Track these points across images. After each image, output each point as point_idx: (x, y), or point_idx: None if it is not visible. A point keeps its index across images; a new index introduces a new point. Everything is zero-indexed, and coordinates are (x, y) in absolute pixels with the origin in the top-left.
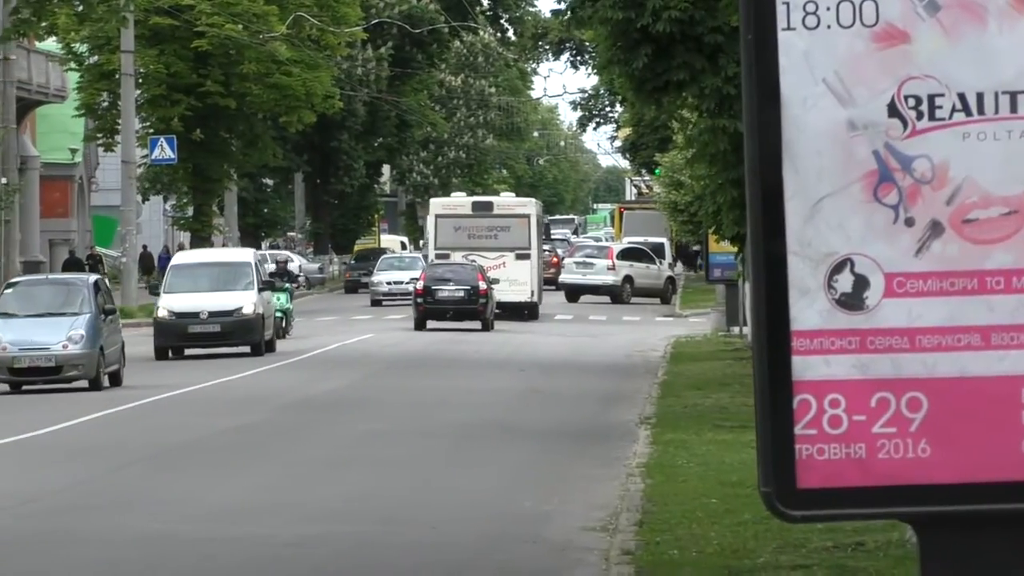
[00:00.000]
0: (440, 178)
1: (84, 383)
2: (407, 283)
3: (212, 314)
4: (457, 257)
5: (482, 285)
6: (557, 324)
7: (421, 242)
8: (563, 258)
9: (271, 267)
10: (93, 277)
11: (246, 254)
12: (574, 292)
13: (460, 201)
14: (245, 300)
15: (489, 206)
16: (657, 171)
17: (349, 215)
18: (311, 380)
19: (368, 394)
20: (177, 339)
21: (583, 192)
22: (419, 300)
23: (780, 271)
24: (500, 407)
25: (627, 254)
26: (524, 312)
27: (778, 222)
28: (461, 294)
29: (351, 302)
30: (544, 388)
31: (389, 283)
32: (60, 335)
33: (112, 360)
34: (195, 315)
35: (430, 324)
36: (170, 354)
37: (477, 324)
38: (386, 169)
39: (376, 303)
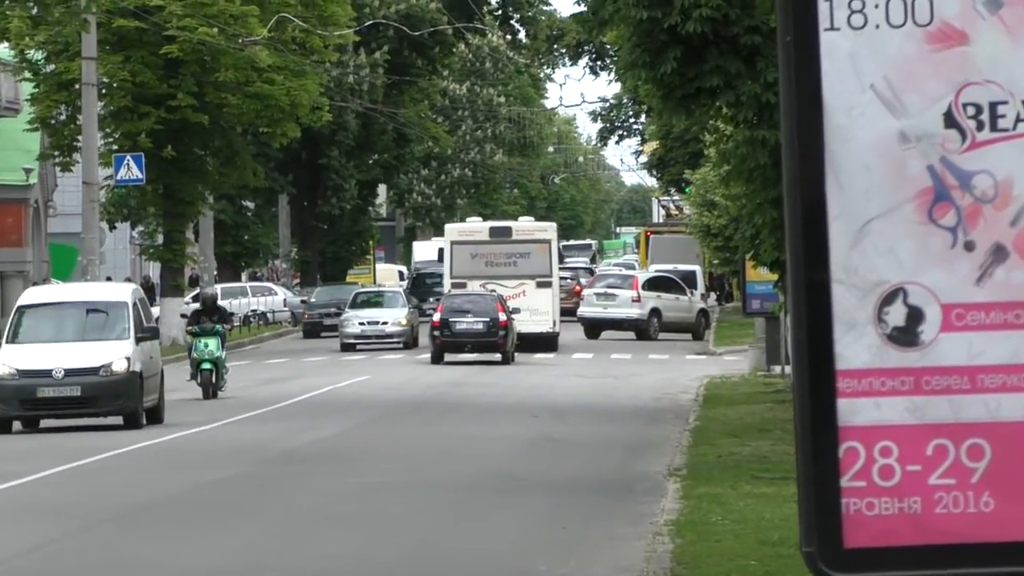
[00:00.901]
0: (443, 199)
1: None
2: (386, 324)
3: (69, 372)
4: (475, 286)
5: (502, 316)
6: (575, 363)
7: (406, 272)
8: (585, 287)
9: (191, 305)
10: None
11: (122, 291)
12: (595, 327)
13: (477, 226)
14: (116, 354)
15: (508, 231)
16: (687, 190)
17: (340, 242)
18: (298, 429)
19: (362, 443)
20: (22, 406)
21: (604, 214)
22: (436, 333)
23: (823, 302)
24: (511, 457)
25: (654, 284)
26: (543, 344)
27: (821, 247)
28: (480, 326)
29: (316, 345)
30: (560, 436)
31: (363, 323)
32: None
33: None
34: (46, 373)
35: (448, 357)
36: (15, 426)
37: (497, 356)
38: (382, 190)
39: (348, 347)
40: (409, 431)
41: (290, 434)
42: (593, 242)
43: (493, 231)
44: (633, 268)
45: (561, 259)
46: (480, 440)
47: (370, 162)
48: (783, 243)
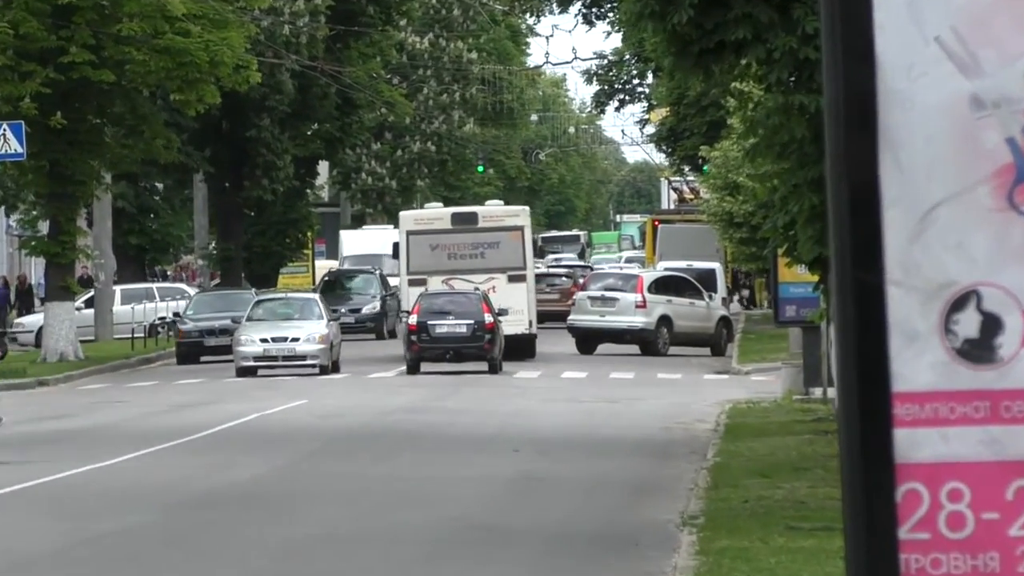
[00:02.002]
0: (400, 180)
1: None
2: (296, 341)
3: None
4: (436, 283)
5: (488, 318)
6: (565, 384)
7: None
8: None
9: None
10: None
11: None
12: (589, 339)
13: (436, 213)
14: None
15: (472, 218)
16: (705, 168)
17: (271, 233)
18: (217, 466)
19: (297, 485)
20: None
21: (601, 199)
22: (412, 338)
23: (876, 309)
24: (486, 502)
25: (664, 285)
26: (518, 349)
27: (873, 240)
28: (463, 329)
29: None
30: (547, 475)
31: (265, 340)
32: None
33: None
34: None
35: (426, 367)
36: None
37: (483, 366)
38: (323, 168)
39: (245, 372)
40: (357, 470)
41: (206, 473)
42: (582, 233)
43: (456, 218)
44: (637, 265)
45: (541, 254)
46: (447, 481)
47: (308, 133)
48: (825, 235)
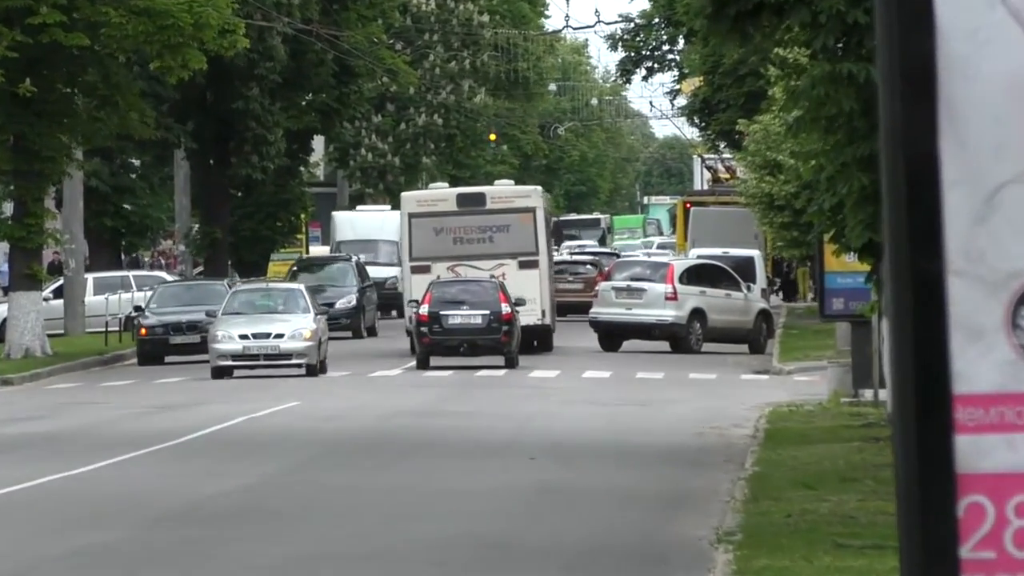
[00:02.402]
0: (403, 156)
1: None
2: (280, 338)
3: None
4: (441, 270)
5: (505, 308)
6: (587, 384)
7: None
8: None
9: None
10: None
11: None
12: (613, 334)
13: (441, 194)
14: None
15: (480, 199)
16: (743, 146)
17: (260, 215)
18: (201, 475)
19: (292, 498)
20: None
21: (627, 178)
22: (423, 329)
23: (936, 301)
24: (499, 517)
25: (697, 275)
26: (533, 342)
27: (932, 225)
28: (478, 320)
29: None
30: (567, 486)
31: (245, 336)
32: None
33: None
34: None
35: (436, 361)
36: None
37: (499, 360)
38: (319, 144)
39: (221, 373)
40: (358, 480)
41: (189, 483)
42: (603, 217)
43: (462, 199)
44: (670, 253)
45: (559, 239)
46: (457, 493)
47: (302, 105)
48: (877, 219)
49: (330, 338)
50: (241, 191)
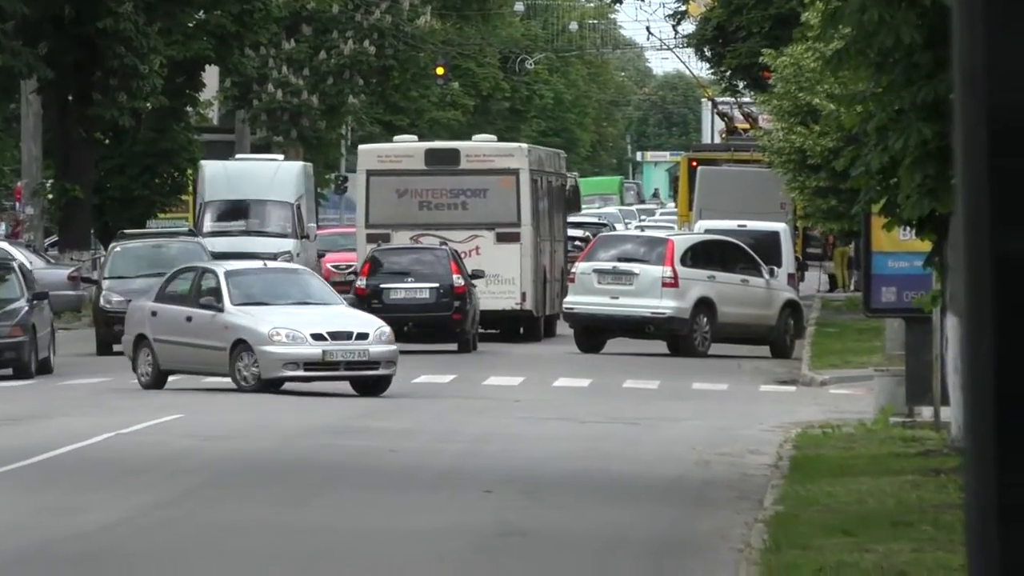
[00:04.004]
0: (324, 95)
1: None
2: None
3: None
4: (403, 239)
5: (457, 280)
6: (560, 395)
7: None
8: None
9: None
10: None
11: None
12: (593, 330)
13: (406, 148)
14: None
15: (453, 156)
16: (770, 86)
17: (134, 169)
18: (52, 510)
19: (168, 539)
20: None
21: (615, 127)
22: (361, 306)
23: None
24: (444, 568)
25: (704, 255)
26: (513, 329)
27: (1020, 192)
28: (426, 295)
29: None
30: (533, 528)
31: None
32: None
33: None
34: None
35: None
36: None
37: (452, 345)
38: (212, 77)
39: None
40: (255, 517)
41: (37, 521)
42: (570, 176)
43: (431, 156)
44: (665, 226)
45: (578, 204)
46: (388, 535)
47: (190, 26)
48: (943, 184)
49: None
50: (108, 138)
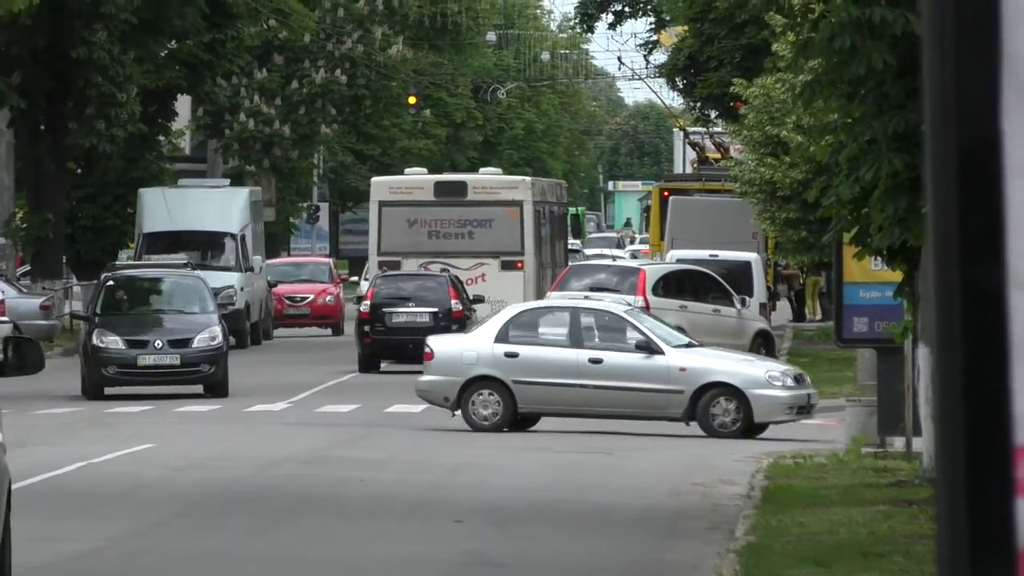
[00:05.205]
0: (296, 124)
1: None
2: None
3: None
4: (413, 266)
5: (455, 305)
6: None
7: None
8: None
9: None
10: None
11: None
12: None
13: (417, 180)
14: None
15: (460, 188)
16: (741, 117)
17: (106, 199)
18: (22, 541)
19: (136, 569)
20: None
21: (587, 157)
22: (365, 328)
23: (994, 324)
24: None
25: (676, 284)
26: None
27: (992, 224)
28: (426, 318)
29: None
30: (506, 559)
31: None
32: None
33: None
34: None
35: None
36: None
37: None
38: (184, 106)
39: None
40: (227, 548)
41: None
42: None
43: (440, 187)
44: (636, 256)
45: (577, 231)
46: (358, 566)
47: (163, 55)
48: (914, 215)
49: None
50: (81, 167)
